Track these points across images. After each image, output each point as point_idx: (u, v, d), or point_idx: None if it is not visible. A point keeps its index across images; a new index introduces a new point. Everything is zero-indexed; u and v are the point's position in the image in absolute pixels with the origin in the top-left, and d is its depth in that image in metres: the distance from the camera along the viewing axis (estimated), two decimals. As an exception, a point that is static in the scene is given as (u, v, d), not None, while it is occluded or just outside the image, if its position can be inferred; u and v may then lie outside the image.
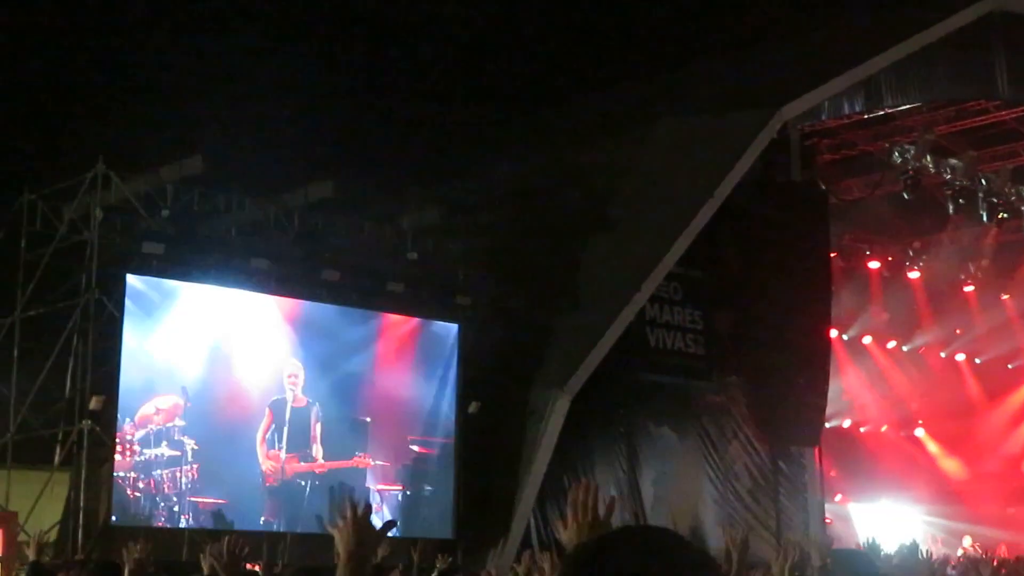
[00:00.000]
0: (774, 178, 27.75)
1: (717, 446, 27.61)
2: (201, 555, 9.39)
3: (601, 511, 3.88)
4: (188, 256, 21.75)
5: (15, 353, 21.64)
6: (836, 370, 29.92)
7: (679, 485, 27.01)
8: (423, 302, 24.55)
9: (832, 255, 29.22)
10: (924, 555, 9.49)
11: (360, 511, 4.37)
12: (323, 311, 23.44)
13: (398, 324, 24.53)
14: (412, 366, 24.58)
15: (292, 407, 22.68)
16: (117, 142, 22.82)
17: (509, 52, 31.26)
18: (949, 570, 17.14)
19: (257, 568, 13.56)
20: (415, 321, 24.69)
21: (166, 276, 21.62)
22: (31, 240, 21.76)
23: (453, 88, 31.16)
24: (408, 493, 24.09)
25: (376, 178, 26.54)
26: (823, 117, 28.04)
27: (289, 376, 22.78)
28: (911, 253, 33.41)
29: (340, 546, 4.32)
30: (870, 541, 9.63)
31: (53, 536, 19.64)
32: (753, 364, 27.70)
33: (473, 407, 24.54)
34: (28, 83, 25.70)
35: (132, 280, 21.15)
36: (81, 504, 19.96)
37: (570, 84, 29.93)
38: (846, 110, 28.02)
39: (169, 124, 26.03)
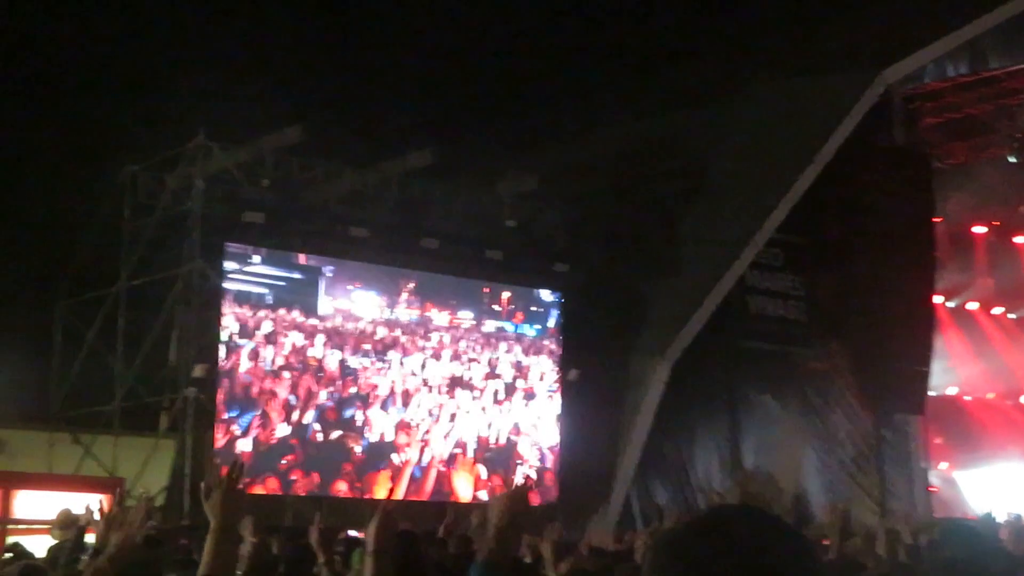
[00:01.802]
0: (876, 142, 27.31)
1: (820, 414, 27.31)
2: (310, 525, 9.48)
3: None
4: (288, 225, 21.92)
5: (121, 323, 21.93)
6: (940, 337, 29.43)
7: (781, 453, 26.76)
8: (522, 269, 24.53)
9: (936, 220, 28.74)
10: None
11: (517, 485, 4.35)
12: (436, 280, 23.51)
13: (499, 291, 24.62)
14: (513, 333, 24.59)
15: (401, 380, 22.79)
16: (217, 113, 22.97)
17: (606, 17, 31.04)
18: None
19: (362, 535, 13.60)
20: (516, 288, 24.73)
21: (267, 245, 21.83)
22: (134, 211, 22.03)
23: (549, 54, 31.00)
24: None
25: (474, 146, 26.51)
26: (926, 80, 27.51)
27: (397, 350, 22.87)
28: (1018, 218, 32.72)
29: (490, 524, 4.30)
30: (984, 514, 9.41)
31: (160, 502, 19.91)
32: (856, 331, 27.37)
33: (573, 374, 24.51)
34: (129, 55, 25.97)
35: (234, 249, 21.38)
36: (187, 470, 20.24)
37: (669, 47, 29.63)
38: (950, 72, 27.47)
39: (269, 94, 26.17)
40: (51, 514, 17.18)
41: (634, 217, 25.57)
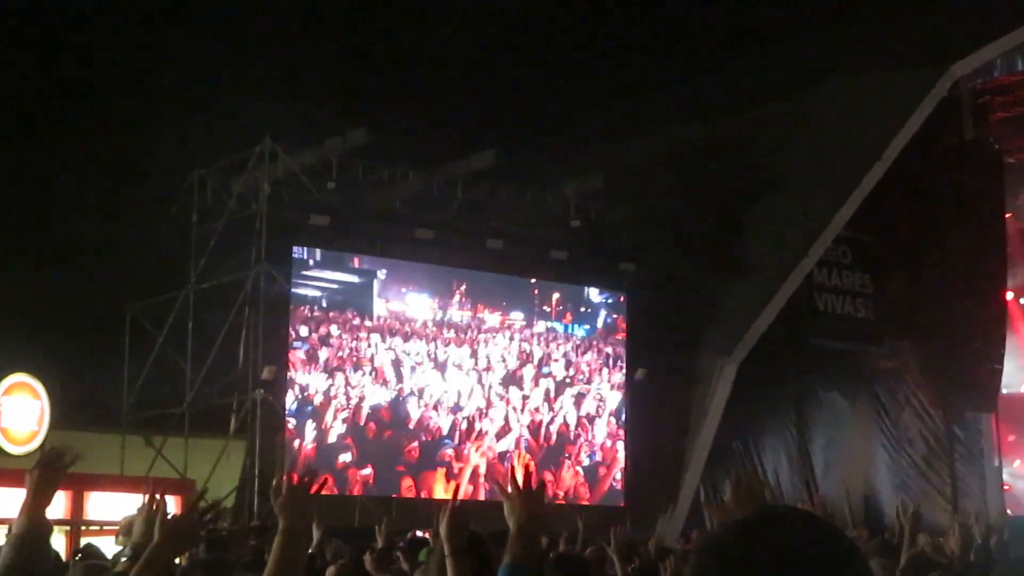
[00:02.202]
0: (945, 138, 27.06)
1: (890, 412, 27.11)
2: (377, 526, 9.51)
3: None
4: (354, 227, 22.04)
5: (189, 325, 22.12)
6: (1012, 333, 29.08)
7: (851, 452, 26.58)
8: (587, 270, 24.51)
9: (1007, 216, 28.42)
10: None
11: (533, 484, 4.35)
12: (488, 282, 23.56)
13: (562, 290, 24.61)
14: (563, 332, 24.52)
15: (455, 380, 22.81)
16: (283, 117, 23.14)
17: (672, 14, 30.95)
18: None
19: (427, 535, 13.67)
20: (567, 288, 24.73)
21: (333, 248, 21.95)
22: (202, 214, 22.21)
23: (614, 53, 30.97)
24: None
25: (538, 146, 26.51)
26: (996, 74, 27.23)
27: (450, 351, 22.89)
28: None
29: (510, 519, 4.29)
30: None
31: (230, 503, 20.05)
32: (926, 328, 27.11)
33: (640, 374, 24.45)
34: (196, 60, 26.20)
35: (300, 252, 21.53)
36: (256, 471, 20.38)
37: (736, 45, 29.50)
38: (1020, 66, 27.19)
39: (333, 98, 26.31)
40: (123, 515, 17.41)
41: (700, 215, 25.48)
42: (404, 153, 23.21)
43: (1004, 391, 28.20)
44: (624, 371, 24.73)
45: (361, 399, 21.75)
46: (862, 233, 26.57)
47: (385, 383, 22.11)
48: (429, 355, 22.68)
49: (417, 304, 22.77)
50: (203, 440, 21.67)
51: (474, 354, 23.22)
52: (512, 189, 23.82)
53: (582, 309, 24.81)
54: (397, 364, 22.27)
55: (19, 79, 25.83)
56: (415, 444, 22.22)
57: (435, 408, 22.51)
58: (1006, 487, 28.77)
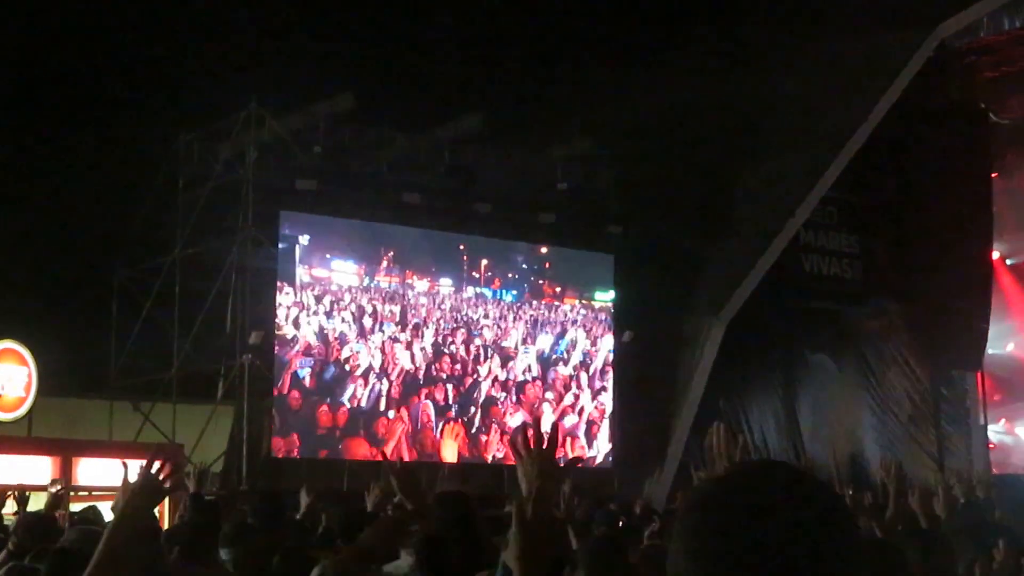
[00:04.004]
0: (931, 98, 27.05)
1: (876, 372, 27.22)
2: (366, 492, 9.52)
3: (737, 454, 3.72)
4: (341, 192, 22.00)
5: (176, 291, 22.11)
6: (999, 293, 29.19)
7: (837, 412, 26.71)
8: (575, 232, 24.51)
9: (993, 175, 28.47)
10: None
11: (545, 444, 4.36)
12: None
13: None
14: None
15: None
16: (269, 81, 23.06)
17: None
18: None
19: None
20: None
21: (319, 212, 21.87)
22: (188, 179, 22.18)
23: (600, 16, 30.83)
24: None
25: (525, 109, 26.45)
26: (982, 34, 27.16)
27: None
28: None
29: (523, 481, 4.30)
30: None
31: (218, 468, 20.11)
32: (912, 289, 27.22)
33: (627, 336, 24.49)
34: (182, 23, 26.08)
35: (287, 216, 21.45)
36: (244, 436, 20.42)
37: (722, 7, 29.39)
38: (1007, 26, 27.09)
39: (320, 61, 26.21)
40: (112, 481, 17.45)
41: (688, 178, 25.46)
42: (391, 117, 23.15)
43: (990, 351, 28.35)
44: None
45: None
46: (849, 194, 26.62)
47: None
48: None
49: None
50: (191, 405, 21.70)
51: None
52: (499, 152, 23.81)
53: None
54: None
55: (2, 47, 25.70)
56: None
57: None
58: (992, 445, 28.96)
